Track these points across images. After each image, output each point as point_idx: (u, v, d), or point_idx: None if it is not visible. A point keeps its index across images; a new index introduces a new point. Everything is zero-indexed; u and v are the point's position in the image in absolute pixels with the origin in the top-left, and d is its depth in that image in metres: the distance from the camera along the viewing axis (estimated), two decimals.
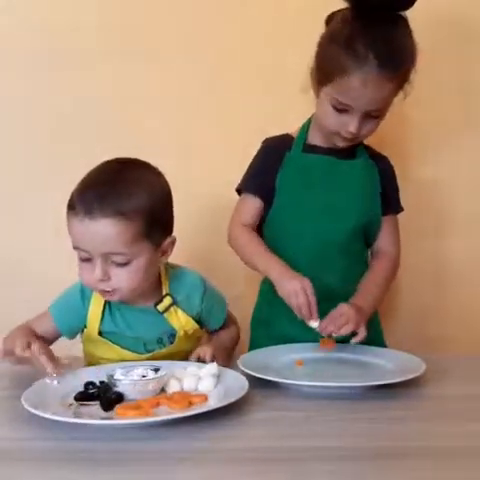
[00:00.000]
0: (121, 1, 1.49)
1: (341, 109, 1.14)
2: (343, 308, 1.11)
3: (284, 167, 1.23)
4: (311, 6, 1.40)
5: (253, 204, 1.24)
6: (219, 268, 1.37)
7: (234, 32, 1.48)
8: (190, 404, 0.86)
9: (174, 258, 1.11)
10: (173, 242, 1.08)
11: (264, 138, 1.28)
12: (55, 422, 0.80)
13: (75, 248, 1.02)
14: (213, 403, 0.85)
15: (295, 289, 1.09)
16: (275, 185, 1.23)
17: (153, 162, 1.07)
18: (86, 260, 1.02)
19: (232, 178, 1.27)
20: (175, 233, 1.08)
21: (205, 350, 1.07)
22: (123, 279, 1.02)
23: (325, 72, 1.14)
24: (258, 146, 1.28)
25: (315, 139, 1.25)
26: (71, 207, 1.00)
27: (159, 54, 1.50)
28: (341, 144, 1.21)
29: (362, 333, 1.09)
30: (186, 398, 0.87)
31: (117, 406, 0.85)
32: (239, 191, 1.27)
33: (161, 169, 1.08)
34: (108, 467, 0.72)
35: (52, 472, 0.71)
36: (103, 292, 1.04)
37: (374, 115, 1.15)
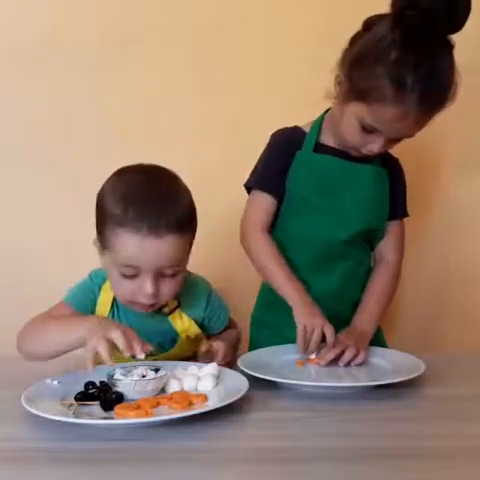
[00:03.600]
0: (123, 2, 1.50)
1: (369, 130, 1.10)
2: (340, 337, 1.10)
3: (294, 166, 1.20)
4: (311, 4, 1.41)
5: (266, 202, 1.21)
6: (218, 268, 1.37)
7: (235, 30, 1.49)
8: (190, 404, 0.86)
9: None
10: None
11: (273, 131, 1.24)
12: (55, 422, 0.80)
13: (121, 265, 0.98)
14: (213, 403, 0.85)
15: (313, 326, 1.07)
16: (285, 183, 1.21)
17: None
18: (131, 276, 0.99)
19: (235, 178, 1.27)
20: None
21: (219, 345, 1.06)
22: (170, 290, 1.02)
23: (361, 89, 1.06)
24: (258, 143, 1.25)
25: (328, 139, 1.21)
26: (122, 224, 0.95)
27: (160, 54, 1.50)
28: (356, 155, 1.17)
29: (362, 355, 1.07)
30: (186, 398, 0.87)
31: (117, 406, 0.85)
32: (248, 188, 1.24)
33: None
34: (108, 467, 0.72)
35: (52, 472, 0.71)
36: (144, 305, 1.02)
37: (400, 139, 1.13)
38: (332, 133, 1.20)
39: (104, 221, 0.99)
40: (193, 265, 1.17)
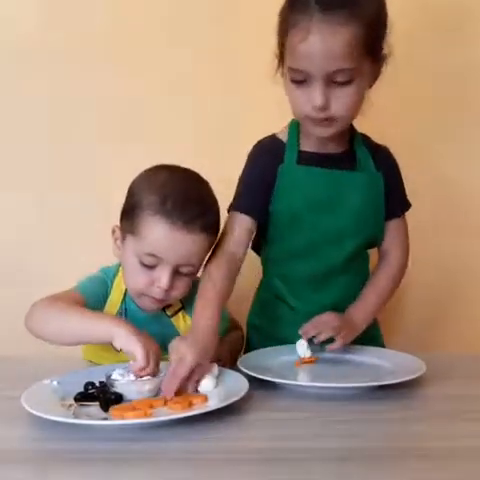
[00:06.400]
0: (123, 2, 1.50)
1: (300, 80, 1.00)
2: (328, 315, 1.10)
3: (279, 182, 1.11)
4: None
5: (245, 225, 1.12)
6: None
7: (235, 29, 1.49)
8: (190, 404, 0.85)
9: None
10: None
11: (255, 142, 1.17)
12: (55, 422, 0.79)
13: (145, 253, 1.00)
14: (213, 403, 0.85)
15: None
16: (270, 202, 1.12)
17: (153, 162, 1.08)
18: (150, 267, 1.01)
19: (235, 177, 1.26)
20: None
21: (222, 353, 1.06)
22: (181, 289, 1.04)
23: (279, 41, 1.03)
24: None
25: (307, 144, 1.13)
26: (160, 213, 0.98)
27: (160, 53, 1.50)
28: (319, 132, 1.06)
29: (339, 341, 1.06)
30: (186, 399, 0.87)
31: (112, 407, 0.85)
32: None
33: None
34: (108, 467, 0.72)
35: (52, 472, 0.71)
36: (154, 300, 1.04)
37: (340, 81, 0.99)
38: (309, 135, 1.12)
39: (136, 206, 1.02)
40: None
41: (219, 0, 1.49)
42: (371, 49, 1.00)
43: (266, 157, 1.14)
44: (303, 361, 1.07)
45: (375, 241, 1.21)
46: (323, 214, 1.12)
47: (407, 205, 1.23)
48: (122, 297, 1.10)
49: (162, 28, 1.49)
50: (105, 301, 1.09)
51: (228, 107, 1.49)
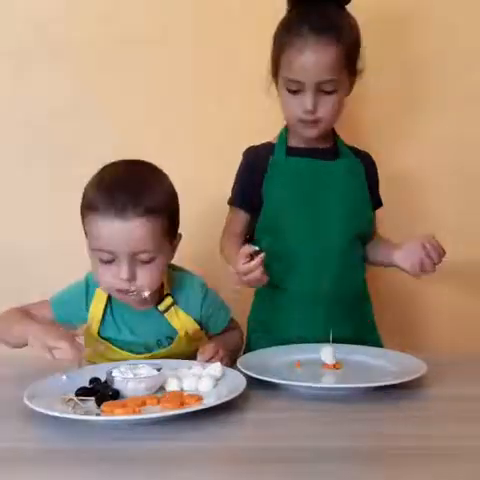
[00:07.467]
0: (123, 2, 1.50)
1: (295, 90, 1.18)
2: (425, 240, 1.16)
3: (269, 173, 1.23)
4: None
5: (240, 217, 1.27)
6: (216, 269, 1.37)
7: (236, 30, 1.49)
8: (182, 404, 0.85)
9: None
10: (180, 238, 1.10)
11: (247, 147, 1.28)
12: (55, 422, 0.79)
13: (97, 250, 1.01)
14: (209, 402, 0.85)
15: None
16: (262, 193, 1.23)
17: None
18: (108, 262, 1.02)
19: (224, 180, 1.27)
20: None
21: (209, 347, 1.06)
22: (148, 277, 1.03)
23: (274, 58, 1.21)
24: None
25: (295, 142, 1.26)
26: (94, 208, 1.00)
27: (160, 53, 1.50)
28: (308, 133, 1.22)
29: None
30: (178, 398, 0.86)
31: (104, 404, 0.85)
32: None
33: None
34: (107, 467, 0.71)
35: (51, 472, 0.71)
36: (127, 293, 1.04)
37: (327, 90, 1.17)
38: (296, 135, 1.25)
39: (82, 207, 1.04)
40: (191, 267, 1.18)
41: (219, 0, 1.49)
42: (350, 65, 1.20)
43: (258, 156, 1.26)
44: (327, 366, 1.06)
45: (365, 231, 1.28)
46: (311, 199, 1.22)
47: (380, 203, 1.34)
48: (106, 297, 1.10)
49: (162, 28, 1.49)
50: (82, 311, 1.10)
51: (227, 108, 1.49)
